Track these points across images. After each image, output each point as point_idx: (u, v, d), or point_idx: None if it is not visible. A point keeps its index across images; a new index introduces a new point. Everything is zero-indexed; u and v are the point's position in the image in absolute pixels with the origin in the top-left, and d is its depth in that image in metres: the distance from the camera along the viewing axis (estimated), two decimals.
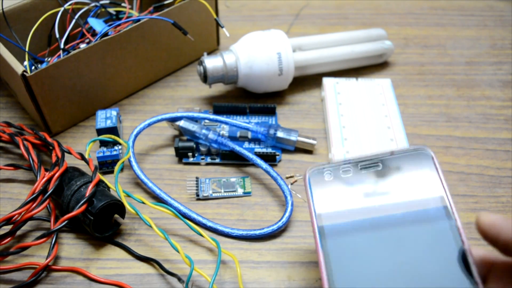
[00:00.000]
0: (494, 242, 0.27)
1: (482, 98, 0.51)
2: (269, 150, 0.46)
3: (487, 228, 0.27)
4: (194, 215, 0.40)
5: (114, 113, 0.45)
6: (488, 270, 0.28)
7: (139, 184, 0.44)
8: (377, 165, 0.31)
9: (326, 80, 0.51)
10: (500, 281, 0.27)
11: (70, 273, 0.38)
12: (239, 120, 0.46)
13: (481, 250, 0.29)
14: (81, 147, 0.46)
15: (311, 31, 0.60)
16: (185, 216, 0.40)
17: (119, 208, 0.39)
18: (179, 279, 0.36)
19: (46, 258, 0.37)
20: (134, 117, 0.50)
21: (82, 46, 0.47)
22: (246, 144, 0.47)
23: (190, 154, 0.45)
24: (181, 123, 0.45)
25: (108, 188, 0.40)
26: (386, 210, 0.30)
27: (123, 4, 0.52)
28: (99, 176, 0.39)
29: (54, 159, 0.41)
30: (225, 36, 0.56)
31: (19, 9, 0.47)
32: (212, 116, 0.46)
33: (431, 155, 0.31)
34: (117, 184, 0.39)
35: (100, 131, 0.44)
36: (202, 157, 0.45)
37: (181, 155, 0.45)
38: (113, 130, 0.44)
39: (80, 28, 0.49)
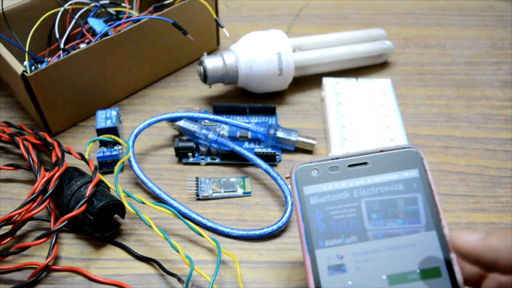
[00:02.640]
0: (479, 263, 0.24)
1: (482, 98, 0.51)
2: (269, 150, 0.46)
3: (468, 253, 0.25)
4: (194, 215, 0.40)
5: (114, 113, 0.45)
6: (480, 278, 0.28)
7: (139, 184, 0.44)
8: (365, 163, 0.30)
9: (326, 80, 0.51)
10: None
11: (70, 273, 0.38)
12: (239, 120, 0.46)
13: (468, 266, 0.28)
14: (81, 147, 0.46)
15: (311, 31, 0.60)
16: (185, 216, 0.40)
17: (119, 208, 0.39)
18: (179, 279, 0.36)
19: (46, 258, 0.37)
20: (134, 117, 0.50)
21: (82, 46, 0.47)
22: (246, 144, 0.47)
23: (190, 154, 0.45)
24: (181, 123, 0.45)
25: (108, 188, 0.40)
26: (372, 209, 0.29)
27: (123, 4, 0.52)
28: (99, 176, 0.39)
29: (54, 159, 0.41)
30: (225, 36, 0.56)
31: (19, 9, 0.47)
32: (212, 116, 0.46)
33: (420, 155, 0.30)
34: (117, 184, 0.39)
35: (100, 131, 0.44)
36: (202, 157, 0.45)
37: (181, 155, 0.45)
38: (113, 130, 0.44)
39: (80, 28, 0.49)
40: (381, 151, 0.30)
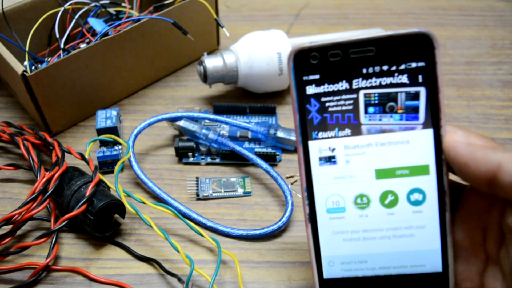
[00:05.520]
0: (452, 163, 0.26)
1: (482, 98, 0.51)
2: (269, 150, 0.46)
3: (447, 150, 0.26)
4: (194, 215, 0.40)
5: (114, 113, 0.45)
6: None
7: (139, 184, 0.44)
8: (370, 50, 0.27)
9: None
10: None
11: (70, 273, 0.38)
12: (239, 120, 0.46)
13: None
14: (81, 147, 0.46)
15: (311, 31, 0.60)
16: (185, 216, 0.40)
17: (119, 208, 0.39)
18: (179, 279, 0.36)
19: (46, 258, 0.37)
20: (134, 117, 0.50)
21: (82, 46, 0.47)
22: (246, 144, 0.46)
23: (190, 154, 0.45)
24: (181, 123, 0.45)
25: (108, 188, 0.40)
26: (370, 102, 0.27)
27: (123, 4, 0.52)
28: (99, 176, 0.39)
29: (54, 159, 0.41)
30: (225, 36, 0.56)
31: (19, 9, 0.47)
32: (212, 116, 0.46)
33: (434, 44, 0.26)
34: (117, 184, 0.39)
35: (100, 131, 0.44)
36: (202, 157, 0.45)
37: (181, 155, 0.45)
38: (113, 130, 0.44)
39: (80, 28, 0.49)
40: (390, 36, 0.26)
